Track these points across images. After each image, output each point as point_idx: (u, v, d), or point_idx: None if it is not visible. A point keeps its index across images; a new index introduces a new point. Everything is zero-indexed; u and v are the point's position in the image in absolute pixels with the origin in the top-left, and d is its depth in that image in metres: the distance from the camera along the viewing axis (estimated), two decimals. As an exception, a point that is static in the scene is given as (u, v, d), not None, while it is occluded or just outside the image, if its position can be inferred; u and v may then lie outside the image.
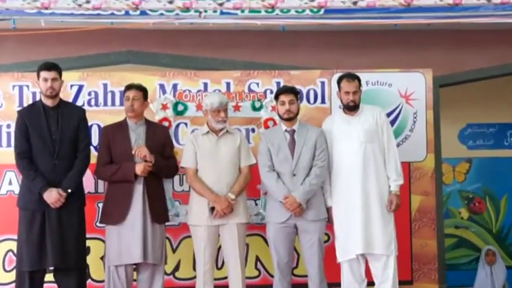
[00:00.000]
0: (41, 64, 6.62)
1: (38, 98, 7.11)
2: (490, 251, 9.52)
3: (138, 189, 6.55)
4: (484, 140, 11.17)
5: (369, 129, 6.64)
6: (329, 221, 6.78)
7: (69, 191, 6.40)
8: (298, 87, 7.35)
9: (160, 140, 6.75)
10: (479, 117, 11.09)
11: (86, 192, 6.77)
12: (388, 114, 7.25)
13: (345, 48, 8.92)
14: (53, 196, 6.35)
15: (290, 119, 6.71)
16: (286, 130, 6.74)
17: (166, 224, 6.83)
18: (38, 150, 6.44)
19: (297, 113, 6.76)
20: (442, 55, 9.04)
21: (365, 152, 6.61)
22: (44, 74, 6.51)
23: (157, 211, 6.62)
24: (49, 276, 6.59)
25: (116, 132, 6.70)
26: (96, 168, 6.73)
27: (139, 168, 6.50)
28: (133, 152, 6.55)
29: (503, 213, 10.98)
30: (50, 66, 6.55)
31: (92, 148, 6.84)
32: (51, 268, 6.50)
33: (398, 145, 7.03)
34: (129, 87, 6.75)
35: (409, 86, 7.59)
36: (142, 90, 6.77)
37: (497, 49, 9.15)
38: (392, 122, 7.32)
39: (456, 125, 11.07)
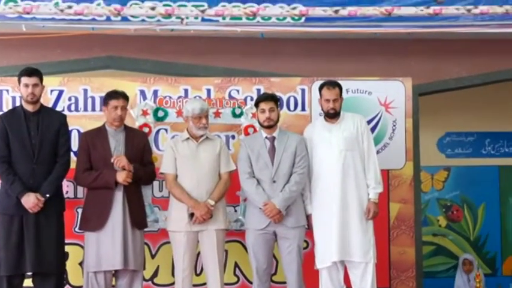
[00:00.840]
0: (21, 69, 6.60)
1: (17, 103, 7.12)
2: (467, 260, 9.57)
3: (118, 195, 6.54)
4: (462, 149, 11.24)
5: (349, 137, 6.67)
6: (309, 228, 6.80)
7: (48, 195, 6.38)
8: (278, 94, 7.37)
9: (140, 146, 6.74)
10: (458, 126, 11.16)
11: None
12: (368, 122, 7.26)
13: (325, 56, 8.94)
14: (30, 201, 6.32)
15: (270, 126, 6.72)
16: (266, 137, 6.75)
17: (145, 229, 6.82)
18: (18, 155, 6.42)
19: (277, 121, 6.78)
20: (421, 64, 9.08)
21: (345, 160, 6.63)
22: (24, 79, 6.49)
23: (137, 217, 6.61)
24: (28, 282, 6.57)
25: (95, 139, 6.68)
26: (75, 175, 6.71)
27: (120, 176, 6.49)
28: (112, 161, 6.54)
29: (480, 222, 11.04)
30: (31, 71, 6.53)
31: (71, 153, 6.81)
32: (30, 273, 6.50)
33: (377, 153, 7.05)
34: (115, 96, 6.71)
35: (388, 94, 7.62)
36: (127, 98, 6.78)
37: (477, 58, 9.20)
38: (372, 130, 7.34)
39: (435, 134, 11.13)
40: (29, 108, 6.53)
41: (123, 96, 6.72)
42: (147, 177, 6.77)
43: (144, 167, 6.70)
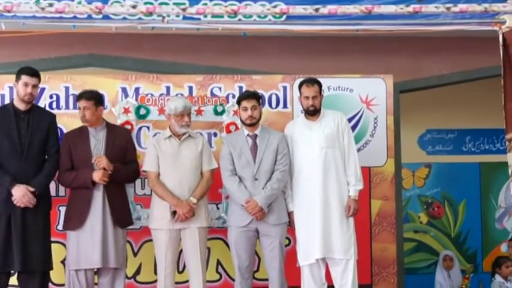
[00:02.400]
0: (24, 67, 6.62)
1: (3, 100, 7.12)
2: (448, 256, 9.63)
3: (98, 195, 6.54)
4: (443, 146, 11.28)
5: (330, 134, 6.69)
6: (290, 225, 6.82)
7: (34, 190, 6.38)
8: (260, 91, 7.40)
9: (121, 144, 6.74)
10: (439, 123, 11.20)
11: (47, 195, 6.77)
12: (349, 120, 7.30)
13: (307, 54, 8.96)
14: (21, 190, 6.32)
15: (252, 124, 6.75)
16: (248, 135, 6.77)
17: (128, 227, 6.82)
18: (7, 153, 6.42)
19: (259, 118, 6.80)
20: (402, 61, 9.11)
21: (325, 157, 6.66)
22: (26, 78, 6.50)
23: (119, 215, 6.62)
24: (12, 279, 6.60)
25: (76, 138, 6.70)
26: (58, 174, 6.71)
27: (97, 175, 6.49)
28: (92, 161, 6.54)
29: (461, 218, 11.09)
30: (33, 72, 6.57)
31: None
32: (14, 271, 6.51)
33: (359, 150, 7.09)
34: (79, 96, 6.74)
35: (370, 91, 7.66)
36: (93, 99, 6.72)
37: (457, 56, 9.25)
38: (353, 127, 7.38)
39: (416, 131, 11.16)
40: (21, 106, 6.54)
41: (86, 97, 6.69)
42: (129, 176, 6.78)
43: (126, 165, 6.70)
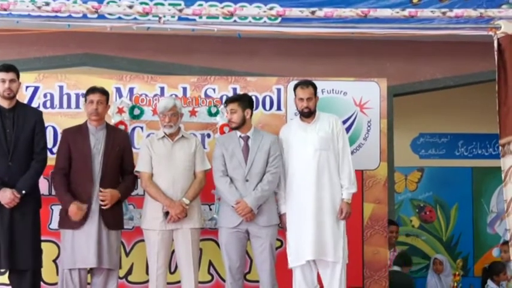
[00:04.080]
0: None
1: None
2: (437, 260, 9.65)
3: (96, 195, 6.53)
4: (436, 150, 11.33)
5: (324, 137, 6.70)
6: (282, 227, 6.83)
7: (24, 192, 6.37)
8: (254, 93, 7.41)
9: (120, 145, 6.72)
10: (432, 127, 11.25)
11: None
12: (343, 122, 7.25)
13: (301, 56, 8.98)
14: (6, 196, 6.31)
15: (235, 128, 6.77)
16: (240, 136, 6.78)
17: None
18: None
19: (240, 122, 6.76)
20: (396, 65, 9.15)
21: (319, 160, 6.66)
22: (1, 75, 6.46)
23: (112, 218, 6.59)
24: (3, 278, 6.60)
25: (75, 135, 6.67)
26: (53, 171, 6.71)
27: (72, 212, 6.47)
28: (100, 197, 6.52)
29: (453, 222, 11.13)
30: (7, 67, 6.51)
31: (47, 151, 6.78)
32: (4, 270, 6.50)
33: (352, 153, 7.07)
34: (92, 90, 6.71)
35: (363, 94, 7.64)
36: (106, 94, 6.76)
37: (451, 60, 9.29)
38: (347, 130, 7.35)
39: (409, 134, 11.21)
40: (5, 104, 6.51)
41: (101, 91, 6.72)
42: (129, 192, 6.80)
43: (124, 181, 6.71)
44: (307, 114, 6.76)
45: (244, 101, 6.87)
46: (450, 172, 11.09)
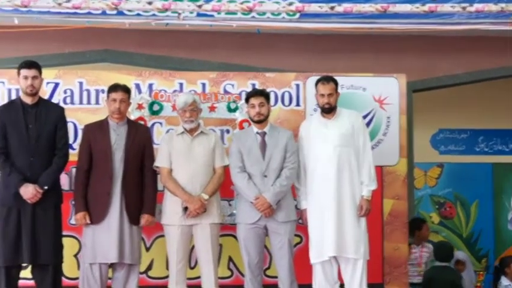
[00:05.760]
0: (21, 62, 6.60)
1: (13, 95, 7.15)
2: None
3: (116, 189, 6.55)
4: (455, 146, 11.28)
5: (345, 133, 6.68)
6: (303, 223, 6.83)
7: (46, 187, 6.40)
8: (273, 89, 7.43)
9: (141, 141, 6.72)
10: (451, 123, 11.20)
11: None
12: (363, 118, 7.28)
13: (320, 52, 8.98)
14: (29, 191, 6.34)
15: (260, 121, 6.75)
16: (257, 132, 6.78)
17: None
18: (15, 148, 6.43)
19: (268, 115, 6.80)
20: (416, 60, 9.12)
21: (340, 156, 6.64)
22: (24, 71, 6.50)
23: (134, 213, 6.61)
24: (26, 272, 6.62)
25: (96, 132, 6.69)
26: (76, 169, 6.74)
27: (77, 219, 6.61)
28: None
29: (473, 219, 11.08)
30: (30, 64, 6.54)
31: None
32: (26, 264, 6.54)
33: (371, 149, 7.06)
34: (115, 88, 6.72)
35: (383, 90, 7.63)
36: (128, 92, 6.78)
37: (471, 55, 9.25)
38: (366, 126, 7.34)
39: (428, 130, 11.17)
40: (28, 100, 6.54)
41: (123, 89, 6.73)
42: (155, 192, 6.81)
43: (146, 173, 6.72)
44: (328, 110, 6.74)
45: (268, 96, 6.89)
46: (470, 168, 11.04)
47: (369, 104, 7.62)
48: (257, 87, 7.43)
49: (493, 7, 6.61)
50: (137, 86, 7.43)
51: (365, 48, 9.06)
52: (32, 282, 6.64)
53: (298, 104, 7.59)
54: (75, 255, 7.11)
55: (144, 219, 6.62)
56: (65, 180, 7.00)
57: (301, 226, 6.91)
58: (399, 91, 7.67)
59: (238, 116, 7.40)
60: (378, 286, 7.45)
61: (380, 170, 7.46)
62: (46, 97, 7.12)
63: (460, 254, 9.88)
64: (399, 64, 8.81)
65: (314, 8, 6.61)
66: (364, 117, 7.48)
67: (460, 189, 11.05)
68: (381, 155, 7.45)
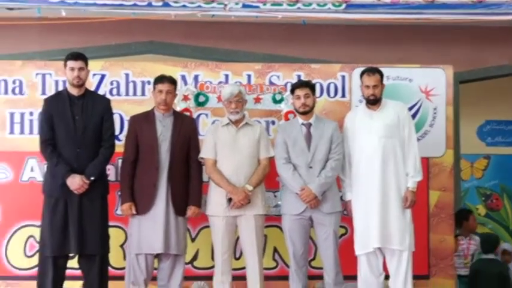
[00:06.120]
0: (68, 53, 6.66)
1: (60, 87, 7.22)
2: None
3: (162, 180, 6.59)
4: (502, 137, 11.17)
5: (390, 124, 6.65)
6: (347, 214, 6.82)
7: (92, 178, 6.46)
8: (318, 80, 7.43)
9: (187, 132, 6.75)
10: (498, 114, 11.09)
11: (106, 180, 6.85)
12: (408, 110, 7.22)
13: (366, 43, 8.94)
14: (76, 182, 6.41)
15: (306, 112, 6.74)
16: (302, 123, 6.77)
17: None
18: (62, 139, 6.50)
19: (313, 107, 6.79)
20: (462, 51, 9.04)
21: (385, 147, 6.62)
22: (70, 63, 6.56)
23: (180, 204, 6.64)
24: (73, 262, 6.69)
25: (142, 123, 6.73)
26: (122, 161, 6.79)
27: (124, 209, 6.67)
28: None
29: (520, 211, 11.00)
30: (76, 55, 6.60)
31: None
32: (73, 254, 6.60)
33: (417, 140, 6.99)
34: (161, 79, 6.75)
35: (429, 81, 7.59)
36: (174, 83, 6.81)
37: (519, 46, 9.16)
38: (412, 117, 7.26)
39: (475, 122, 11.07)
40: (74, 92, 6.60)
41: (169, 80, 6.76)
42: (201, 183, 6.83)
43: (191, 164, 6.74)
44: (373, 102, 6.71)
45: (314, 88, 6.88)
46: (517, 160, 10.96)
47: (415, 95, 7.58)
48: (302, 78, 7.43)
49: (542, -4, 6.54)
50: (183, 78, 7.47)
51: (411, 38, 9.00)
52: (78, 272, 6.72)
53: (343, 96, 7.57)
54: (121, 246, 7.19)
55: (191, 211, 6.65)
56: (111, 171, 7.07)
57: (346, 217, 6.90)
58: (446, 82, 7.62)
59: (284, 107, 7.40)
60: (423, 278, 7.44)
61: (426, 162, 7.44)
62: (92, 89, 7.18)
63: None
64: (446, 55, 8.74)
65: (361, -2, 6.60)
66: (411, 108, 7.46)
67: (507, 180, 10.95)
68: (427, 147, 7.42)
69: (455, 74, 7.75)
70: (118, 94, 7.43)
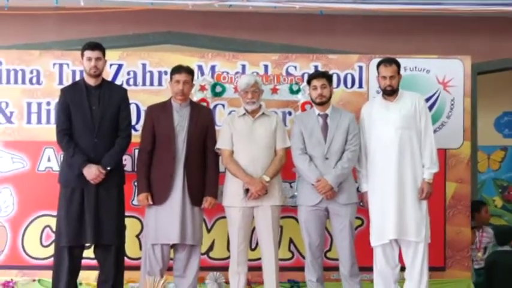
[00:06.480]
0: (85, 43, 6.67)
1: (77, 77, 7.24)
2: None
3: (179, 171, 6.59)
4: (520, 129, 11.15)
5: (407, 115, 6.63)
6: (363, 205, 6.81)
7: (109, 168, 6.48)
8: (335, 71, 7.42)
9: (204, 123, 6.75)
10: (516, 106, 11.06)
11: (122, 170, 6.86)
12: (426, 101, 7.19)
13: (383, 33, 8.92)
14: (92, 172, 6.43)
15: (322, 103, 6.72)
16: (319, 114, 6.76)
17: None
18: (79, 129, 6.52)
19: (330, 97, 6.77)
20: (480, 42, 9.01)
21: (401, 138, 6.60)
22: (88, 53, 6.57)
23: (196, 194, 6.64)
24: (89, 252, 6.71)
25: (159, 112, 6.73)
26: (139, 151, 6.79)
27: (140, 200, 6.68)
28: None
29: (537, 203, 10.96)
30: (93, 45, 6.61)
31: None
32: (89, 244, 6.64)
33: (434, 131, 6.99)
34: (178, 69, 6.74)
35: (447, 72, 7.57)
36: (192, 73, 6.80)
37: (537, 37, 9.11)
38: (430, 109, 7.27)
39: (492, 113, 11.04)
40: (91, 82, 6.62)
41: (187, 70, 6.75)
42: (217, 182, 6.82)
43: (208, 155, 6.74)
44: (390, 93, 6.69)
45: (331, 78, 6.87)
46: (534, 152, 10.92)
47: (432, 86, 7.56)
48: (319, 69, 7.43)
49: (562, -14, 6.49)
50: (200, 68, 7.47)
51: (429, 29, 8.97)
52: (94, 262, 6.75)
53: (360, 86, 7.56)
54: (137, 236, 7.21)
55: (207, 202, 6.66)
56: (127, 162, 7.08)
57: (362, 209, 6.90)
58: (464, 73, 7.59)
59: (301, 97, 7.39)
60: (439, 269, 7.43)
61: (443, 153, 7.43)
62: (109, 79, 7.20)
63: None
64: (463, 46, 8.71)
65: (380, -12, 6.58)
66: (428, 99, 7.45)
67: (524, 172, 10.94)
68: (444, 138, 7.42)
69: (473, 65, 7.71)
70: (135, 84, 7.43)
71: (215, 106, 7.41)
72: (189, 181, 6.60)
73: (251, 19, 8.77)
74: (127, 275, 6.82)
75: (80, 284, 6.90)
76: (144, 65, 7.47)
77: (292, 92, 7.41)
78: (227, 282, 6.97)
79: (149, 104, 6.94)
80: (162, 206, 6.58)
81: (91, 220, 6.44)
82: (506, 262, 8.06)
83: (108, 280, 6.61)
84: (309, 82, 6.82)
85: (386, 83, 6.67)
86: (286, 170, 6.95)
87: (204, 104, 7.24)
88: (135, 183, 6.91)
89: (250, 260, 6.83)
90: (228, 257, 6.86)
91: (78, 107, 6.53)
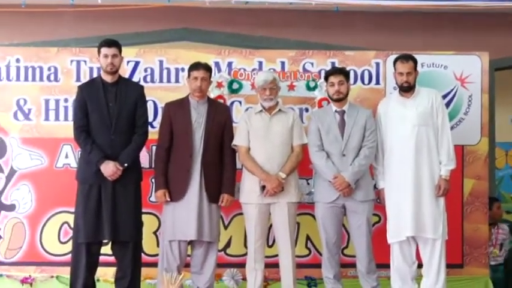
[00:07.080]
0: (101, 40, 6.69)
1: (95, 73, 7.25)
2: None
3: (196, 167, 6.61)
4: (537, 125, 11.10)
5: (424, 112, 6.61)
6: (380, 202, 6.80)
7: (126, 165, 6.50)
8: (352, 67, 7.40)
9: (221, 120, 6.76)
10: (534, 102, 11.00)
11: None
12: (443, 97, 7.18)
13: (400, 30, 8.89)
14: (109, 168, 6.45)
15: (340, 99, 6.72)
16: (336, 111, 6.75)
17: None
18: (96, 125, 6.54)
19: (347, 94, 6.76)
20: (497, 38, 8.97)
21: (418, 135, 6.58)
22: (104, 50, 6.59)
23: (213, 191, 6.65)
24: (107, 249, 6.73)
25: (177, 109, 6.74)
26: (156, 147, 6.82)
27: (157, 196, 6.70)
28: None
29: (555, 200, 10.91)
30: (110, 42, 6.63)
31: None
32: (107, 241, 6.65)
33: (452, 128, 6.99)
34: (196, 66, 6.75)
35: (464, 69, 7.53)
36: (210, 70, 6.81)
37: (555, 32, 9.07)
38: (447, 105, 7.27)
39: (509, 109, 10.98)
40: (108, 78, 6.64)
41: (204, 67, 6.76)
42: (234, 180, 6.82)
43: (225, 152, 6.75)
44: (407, 89, 6.68)
45: (348, 75, 6.86)
46: (552, 148, 10.87)
47: (450, 82, 7.53)
48: (336, 65, 7.41)
49: None
50: (216, 65, 7.47)
51: (446, 25, 8.94)
52: (112, 259, 6.77)
53: (378, 83, 7.54)
54: (155, 232, 7.23)
55: (224, 199, 6.66)
56: (144, 158, 7.09)
57: (379, 206, 6.89)
58: (481, 69, 7.57)
59: (318, 94, 7.37)
60: (457, 267, 7.42)
61: (461, 150, 7.41)
62: (126, 76, 7.21)
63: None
64: (481, 42, 8.66)
65: (396, -16, 6.57)
66: (445, 96, 7.42)
67: (542, 169, 10.90)
68: (462, 134, 7.40)
69: (490, 61, 7.68)
70: (152, 81, 7.45)
71: (232, 103, 7.41)
72: (206, 178, 6.61)
73: (268, 16, 8.78)
74: (144, 271, 6.84)
75: (98, 280, 6.93)
76: (161, 62, 7.48)
77: (309, 88, 7.39)
78: (244, 279, 6.99)
79: (166, 101, 6.94)
80: (179, 203, 6.60)
81: (108, 216, 6.46)
82: None
83: (125, 276, 6.62)
84: (326, 78, 6.82)
85: (403, 80, 6.66)
86: (303, 166, 6.94)
87: (221, 100, 7.24)
88: (153, 180, 6.93)
89: (267, 256, 6.84)
90: (245, 254, 6.88)
91: (95, 104, 6.55)
